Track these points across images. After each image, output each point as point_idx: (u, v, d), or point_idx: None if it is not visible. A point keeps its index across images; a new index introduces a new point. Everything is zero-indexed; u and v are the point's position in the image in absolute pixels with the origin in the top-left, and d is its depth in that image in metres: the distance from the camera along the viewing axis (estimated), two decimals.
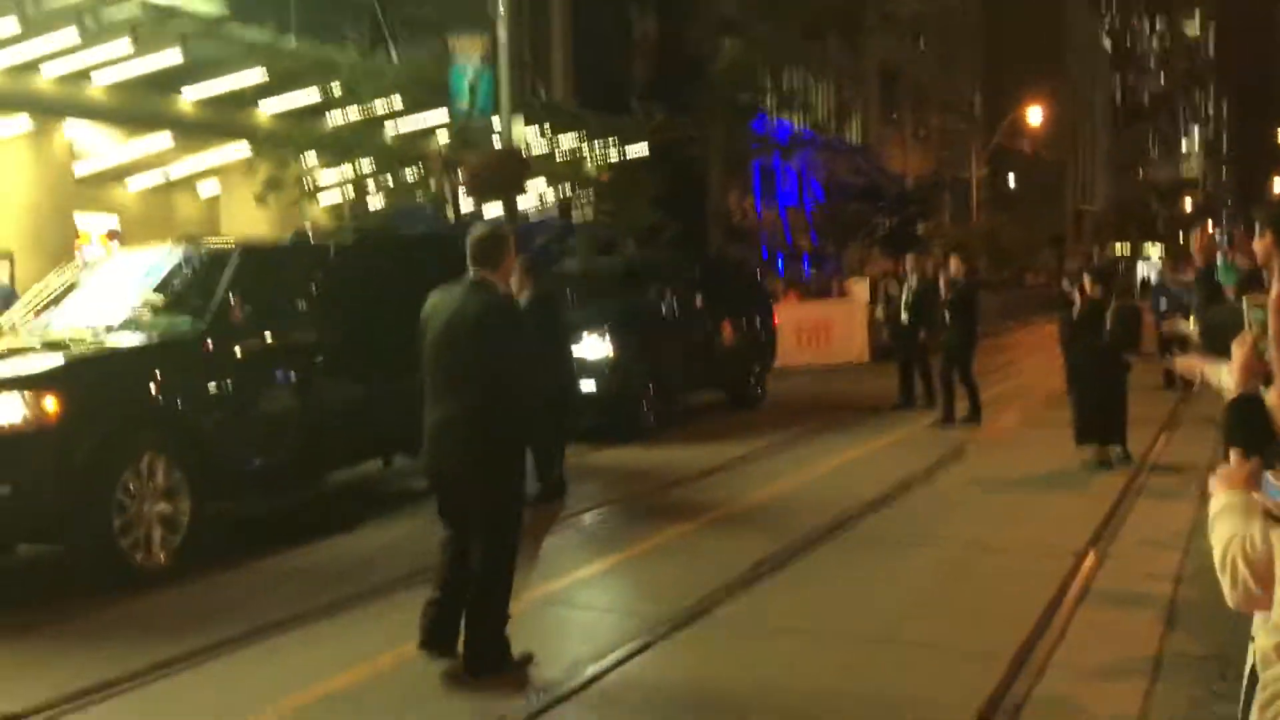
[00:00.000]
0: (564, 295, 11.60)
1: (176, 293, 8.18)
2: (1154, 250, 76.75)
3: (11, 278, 13.88)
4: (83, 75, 14.42)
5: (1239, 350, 2.21)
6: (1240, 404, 2.19)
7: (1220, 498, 2.23)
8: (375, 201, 16.57)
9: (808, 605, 6.24)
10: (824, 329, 21.45)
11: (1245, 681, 1.94)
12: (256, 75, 15.18)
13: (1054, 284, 42.48)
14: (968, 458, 11.09)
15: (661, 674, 5.32)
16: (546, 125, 19.60)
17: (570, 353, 9.77)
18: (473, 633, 5.09)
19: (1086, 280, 10.32)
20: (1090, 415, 10.12)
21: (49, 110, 14.42)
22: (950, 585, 6.67)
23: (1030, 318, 34.70)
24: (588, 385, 11.62)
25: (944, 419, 12.82)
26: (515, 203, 15.63)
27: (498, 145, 15.16)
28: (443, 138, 17.41)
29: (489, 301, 5.05)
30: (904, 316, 14.45)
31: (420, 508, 8.98)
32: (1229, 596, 2.12)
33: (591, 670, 5.19)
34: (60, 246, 14.71)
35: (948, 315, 13.12)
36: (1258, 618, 2.06)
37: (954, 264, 13.34)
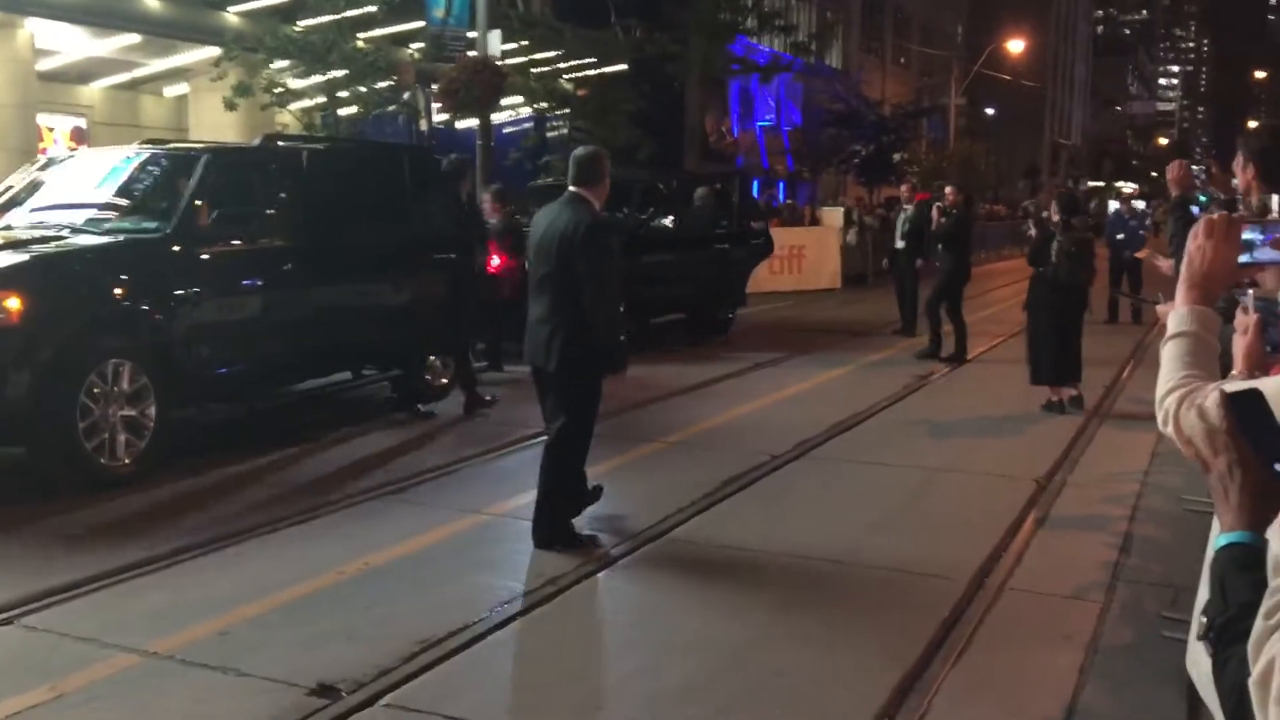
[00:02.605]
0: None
1: (143, 195, 8.06)
2: (1127, 187, 77.07)
3: None
4: None
5: (1241, 339, 2.18)
6: (1238, 398, 2.01)
7: (1181, 317, 2.11)
8: (348, 110, 16.31)
9: (770, 525, 6.31)
10: (796, 256, 21.44)
11: (1198, 608, 1.95)
12: None
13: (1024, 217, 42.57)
14: (935, 386, 11.19)
15: (624, 590, 5.38)
16: (524, 40, 19.28)
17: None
18: (543, 510, 5.73)
19: (1053, 208, 9.84)
20: (1042, 354, 9.57)
21: (9, 5, 14.02)
22: (910, 508, 6.76)
23: (1002, 249, 34.77)
24: None
25: (930, 351, 12.54)
26: (489, 117, 15.43)
27: (473, 57, 14.91)
28: (417, 48, 17.11)
29: (581, 217, 5.62)
30: (899, 243, 14.47)
31: (387, 420, 9.00)
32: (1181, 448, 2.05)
33: (557, 584, 5.24)
34: (23, 146, 14.43)
35: (940, 246, 12.98)
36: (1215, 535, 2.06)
37: (949, 193, 13.22)
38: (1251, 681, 1.20)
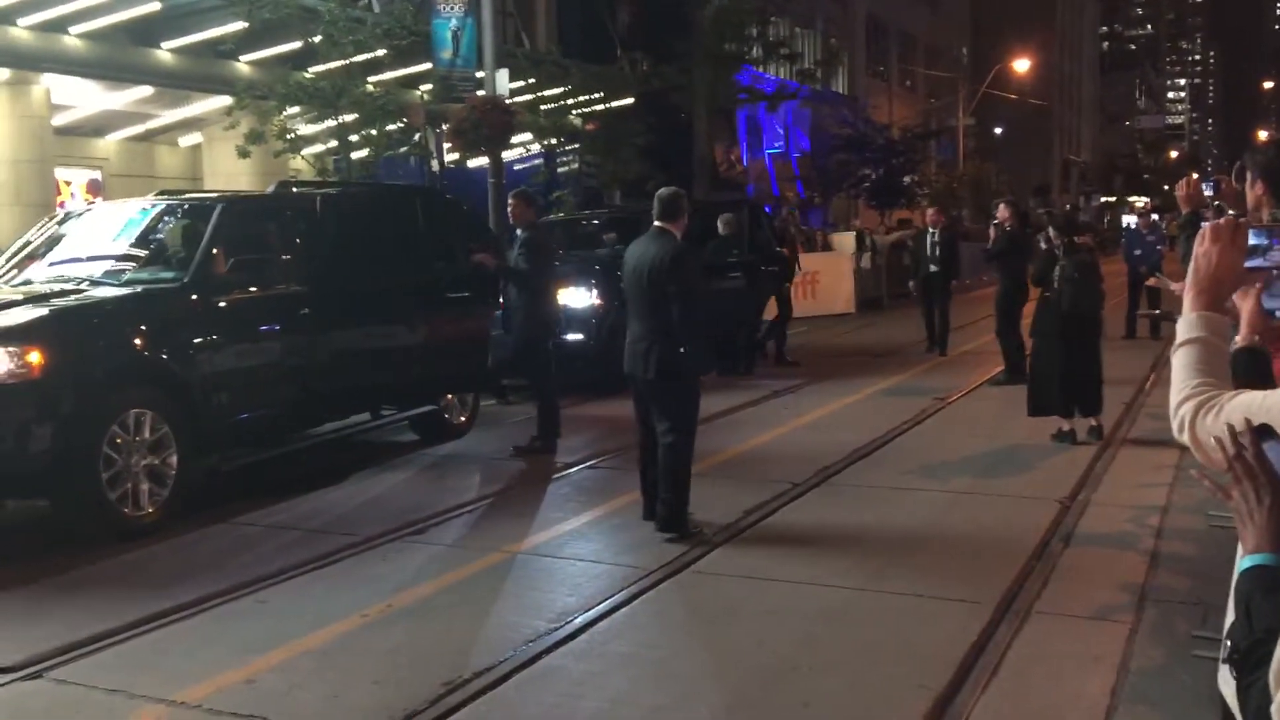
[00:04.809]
0: (552, 233, 11.63)
1: (160, 246, 8.14)
2: (1139, 201, 76.87)
3: None
4: (59, 25, 14.21)
5: (1242, 302, 2.20)
6: (1243, 354, 2.18)
7: (1190, 323, 2.10)
8: (359, 154, 16.44)
9: (793, 553, 6.29)
10: (810, 281, 21.44)
11: (1226, 628, 1.94)
12: (236, 25, 15.00)
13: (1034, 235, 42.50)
14: (953, 409, 11.15)
15: (649, 624, 5.36)
16: (531, 78, 19.42)
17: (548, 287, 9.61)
18: (663, 501, 6.57)
19: (1052, 231, 9.36)
20: (1050, 384, 9.02)
21: (26, 62, 14.22)
22: (933, 532, 6.72)
23: None
24: (576, 336, 11.59)
25: (1007, 376, 12.09)
26: (500, 156, 15.52)
27: (482, 96, 15.02)
28: (426, 90, 17.25)
29: (674, 246, 6.60)
30: (932, 266, 14.88)
31: (407, 460, 9.02)
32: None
33: (581, 620, 5.23)
34: (41, 200, 14.59)
35: (996, 266, 12.73)
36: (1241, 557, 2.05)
37: (1001, 210, 13.05)
38: (1275, 708, 1.20)
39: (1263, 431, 1.58)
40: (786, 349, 14.99)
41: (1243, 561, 1.57)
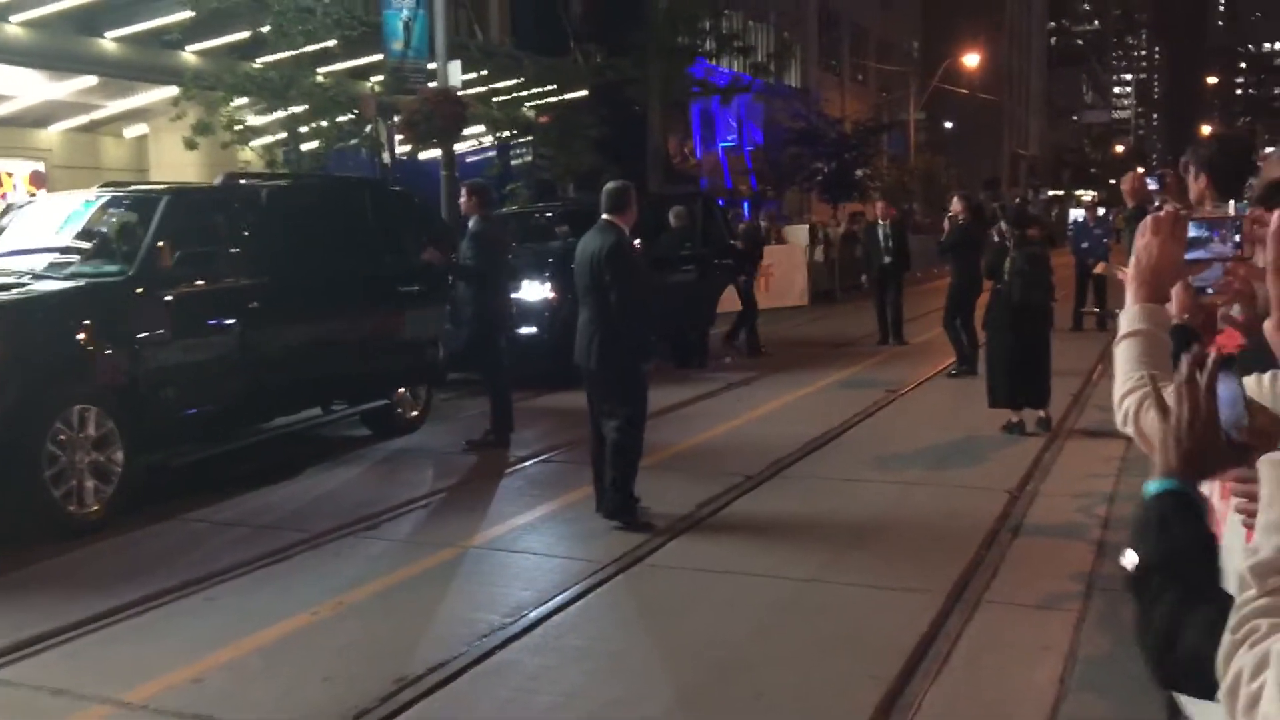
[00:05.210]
0: (505, 225, 11.57)
1: (104, 238, 8.00)
2: (1086, 195, 77.77)
3: None
4: (0, 14, 13.90)
5: (1174, 288, 2.25)
6: (1176, 330, 2.26)
7: (1132, 315, 2.13)
8: (309, 145, 16.26)
9: (746, 545, 6.31)
10: (764, 274, 21.49)
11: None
12: (182, 14, 14.75)
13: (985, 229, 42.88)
14: (906, 401, 11.23)
15: (603, 617, 5.36)
16: (483, 69, 19.30)
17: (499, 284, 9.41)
18: (611, 487, 6.65)
19: (1004, 224, 9.51)
20: (1002, 376, 9.20)
21: None
22: (885, 523, 6.77)
23: None
24: (529, 329, 11.54)
25: (963, 369, 12.19)
26: (452, 148, 15.42)
27: (434, 88, 14.91)
28: (377, 81, 17.09)
29: (610, 239, 6.69)
30: (886, 258, 15.24)
31: (359, 455, 8.94)
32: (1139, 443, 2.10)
33: (535, 614, 5.22)
34: None
35: (950, 259, 12.79)
36: None
37: (955, 204, 13.10)
38: (1221, 694, 1.22)
39: (1224, 364, 1.60)
40: (740, 341, 15.11)
41: (1149, 485, 1.58)
